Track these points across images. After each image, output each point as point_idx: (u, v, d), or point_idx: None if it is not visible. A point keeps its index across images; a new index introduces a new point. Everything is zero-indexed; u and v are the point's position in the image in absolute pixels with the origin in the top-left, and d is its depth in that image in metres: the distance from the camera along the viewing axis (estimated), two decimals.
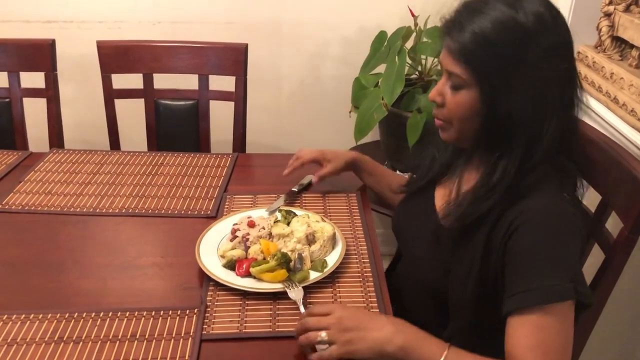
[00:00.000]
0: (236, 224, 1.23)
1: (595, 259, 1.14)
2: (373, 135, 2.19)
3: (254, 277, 1.12)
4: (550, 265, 0.91)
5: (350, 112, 2.18)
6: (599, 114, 1.45)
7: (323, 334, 0.92)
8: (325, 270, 1.14)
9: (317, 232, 1.20)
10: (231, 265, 1.14)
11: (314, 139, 2.50)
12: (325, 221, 1.25)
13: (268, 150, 2.46)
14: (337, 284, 1.13)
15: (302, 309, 1.04)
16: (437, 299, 1.08)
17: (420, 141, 1.87)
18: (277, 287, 1.09)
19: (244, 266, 1.13)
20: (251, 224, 1.21)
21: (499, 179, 0.97)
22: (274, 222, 1.24)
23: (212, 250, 1.20)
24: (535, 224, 0.93)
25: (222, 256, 1.17)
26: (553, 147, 0.96)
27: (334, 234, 1.21)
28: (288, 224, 1.24)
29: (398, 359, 0.90)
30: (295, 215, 1.27)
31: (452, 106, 1.00)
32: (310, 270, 1.14)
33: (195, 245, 1.19)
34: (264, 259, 1.15)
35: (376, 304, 1.08)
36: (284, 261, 1.11)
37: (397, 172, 2.15)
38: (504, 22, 0.93)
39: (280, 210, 1.29)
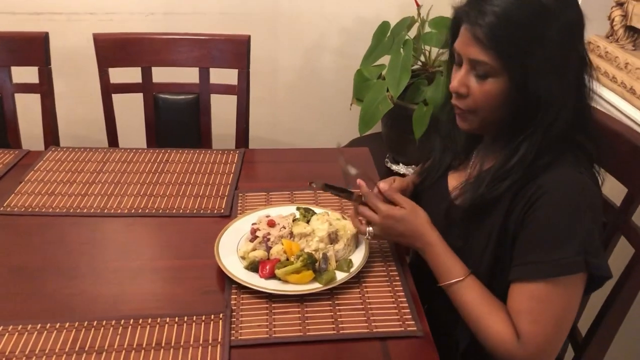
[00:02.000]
0: (255, 223, 1.19)
1: (621, 253, 1.12)
2: (374, 127, 2.16)
3: (278, 279, 1.08)
4: (560, 239, 0.92)
5: (351, 104, 2.14)
6: (614, 104, 1.44)
7: (370, 230, 1.11)
8: (352, 270, 1.10)
9: (340, 231, 1.16)
10: (254, 266, 1.10)
11: (313, 132, 2.46)
12: (345, 219, 1.21)
13: (266, 144, 2.41)
14: (363, 284, 1.10)
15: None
16: None
17: (426, 134, 1.84)
18: (304, 288, 1.06)
19: (268, 267, 1.09)
20: (271, 224, 1.17)
21: (520, 159, 0.98)
22: (293, 221, 1.21)
23: (231, 251, 1.15)
24: (551, 196, 0.93)
25: (243, 257, 1.13)
26: (570, 124, 0.96)
27: (357, 232, 1.18)
28: (307, 222, 1.20)
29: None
30: (314, 213, 1.23)
31: (480, 96, 0.98)
32: (335, 271, 1.10)
33: (214, 246, 1.15)
34: (287, 259, 1.11)
35: (407, 304, 1.05)
36: (310, 262, 1.07)
37: (400, 164, 2.13)
38: (525, 2, 0.92)
39: (298, 209, 1.25)
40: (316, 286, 1.06)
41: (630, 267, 1.08)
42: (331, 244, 1.15)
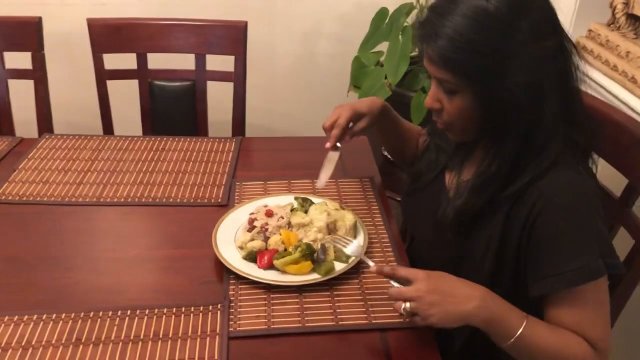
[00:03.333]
0: (253, 213, 1.18)
1: (619, 243, 1.12)
2: None
3: (277, 269, 1.07)
4: (578, 246, 0.91)
5: (348, 91, 2.12)
6: (614, 93, 1.43)
7: (407, 306, 0.90)
8: (350, 260, 1.09)
9: (338, 221, 1.15)
10: (251, 257, 1.09)
11: (310, 119, 2.42)
12: (344, 209, 1.20)
13: (262, 131, 2.39)
14: (362, 275, 1.09)
15: (370, 263, 1.02)
16: None
17: (424, 121, 1.83)
18: (303, 279, 1.05)
19: (266, 258, 1.08)
20: (269, 213, 1.16)
21: (497, 168, 0.96)
22: (291, 211, 1.19)
23: (229, 241, 1.14)
24: (557, 205, 0.91)
25: (241, 247, 1.12)
26: (557, 122, 0.94)
27: (356, 223, 1.17)
28: (305, 212, 1.19)
29: (479, 327, 0.91)
30: (312, 203, 1.22)
31: (452, 111, 0.97)
32: (334, 261, 1.10)
33: (212, 235, 1.14)
34: (285, 249, 1.10)
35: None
36: (309, 252, 1.06)
37: None
38: (476, 18, 0.88)
39: (296, 198, 1.24)
40: (315, 277, 1.06)
41: (630, 258, 1.08)
42: (329, 234, 1.14)
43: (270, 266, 1.08)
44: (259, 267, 1.08)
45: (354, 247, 1.08)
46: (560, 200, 0.91)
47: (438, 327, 0.91)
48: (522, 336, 0.89)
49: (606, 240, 0.94)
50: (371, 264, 1.02)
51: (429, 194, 1.14)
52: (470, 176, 1.03)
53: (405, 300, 0.91)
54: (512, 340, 0.89)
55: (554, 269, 0.91)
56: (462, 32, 0.88)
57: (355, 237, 1.16)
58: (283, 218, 1.15)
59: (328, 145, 1.20)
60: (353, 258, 1.10)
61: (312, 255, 1.07)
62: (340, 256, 1.10)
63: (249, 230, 1.14)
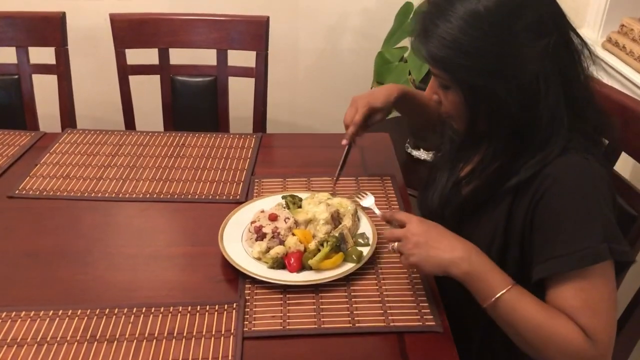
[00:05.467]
0: (254, 221, 1.15)
1: None
2: (395, 112, 2.11)
3: (304, 270, 1.05)
4: (581, 228, 0.88)
5: (372, 88, 2.09)
6: None
7: (395, 245, 0.97)
8: (371, 242, 1.10)
9: (340, 209, 1.16)
10: (279, 264, 1.06)
11: (332, 115, 2.40)
12: (336, 196, 1.21)
13: (285, 127, 2.38)
14: (381, 275, 1.07)
15: (377, 212, 1.12)
16: None
17: None
18: (321, 277, 1.03)
19: (293, 259, 1.05)
20: (273, 217, 1.13)
21: (487, 164, 0.98)
22: (288, 209, 1.17)
23: (238, 243, 1.12)
24: (561, 186, 0.89)
25: (259, 258, 1.08)
26: (560, 118, 0.91)
27: (356, 207, 1.18)
28: (299, 208, 1.18)
29: (459, 280, 0.92)
30: (300, 199, 1.21)
31: (447, 104, 0.99)
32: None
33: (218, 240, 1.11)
34: (305, 249, 1.08)
35: (425, 297, 1.02)
36: (338, 244, 1.06)
37: (421, 150, 2.08)
38: (466, 20, 0.88)
39: (284, 197, 1.22)
40: (349, 267, 1.05)
41: None
42: (334, 224, 1.13)
43: (301, 267, 1.05)
44: (290, 271, 1.05)
45: (369, 200, 1.19)
46: (563, 181, 0.89)
47: (421, 271, 1.00)
48: (502, 299, 0.88)
49: (612, 225, 0.89)
50: (378, 212, 1.11)
51: (441, 185, 1.12)
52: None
53: (394, 240, 0.97)
54: (492, 300, 0.88)
55: (555, 251, 0.88)
56: (450, 31, 0.89)
57: (359, 220, 1.17)
58: (289, 218, 1.13)
59: (344, 142, 1.25)
60: (371, 240, 1.11)
61: (339, 247, 1.06)
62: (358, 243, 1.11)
63: (260, 239, 1.10)
